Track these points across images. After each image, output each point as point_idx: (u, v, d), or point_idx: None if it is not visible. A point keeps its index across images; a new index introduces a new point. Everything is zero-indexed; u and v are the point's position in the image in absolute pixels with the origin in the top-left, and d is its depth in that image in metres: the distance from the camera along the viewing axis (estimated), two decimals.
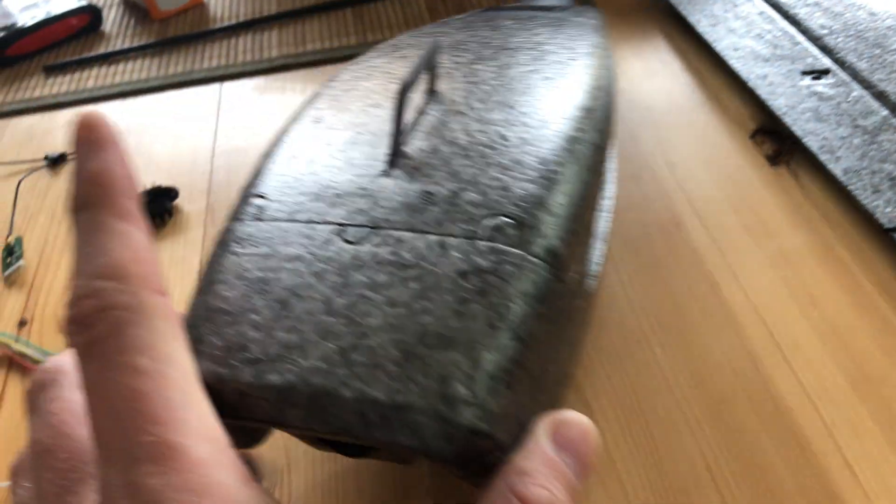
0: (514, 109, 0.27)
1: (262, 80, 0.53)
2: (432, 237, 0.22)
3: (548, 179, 0.23)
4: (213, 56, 0.55)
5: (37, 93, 0.54)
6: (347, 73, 0.33)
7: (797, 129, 0.40)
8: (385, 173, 0.24)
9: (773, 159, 0.41)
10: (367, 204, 0.23)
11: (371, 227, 0.22)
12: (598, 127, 0.27)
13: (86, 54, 0.57)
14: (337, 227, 0.22)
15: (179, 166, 0.46)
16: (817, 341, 0.32)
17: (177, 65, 0.55)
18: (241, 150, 0.46)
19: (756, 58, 0.45)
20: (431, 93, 0.29)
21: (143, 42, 0.57)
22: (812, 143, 0.39)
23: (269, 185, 0.25)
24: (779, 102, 0.42)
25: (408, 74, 0.26)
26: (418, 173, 0.24)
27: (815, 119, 0.40)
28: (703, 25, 0.49)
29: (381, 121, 0.27)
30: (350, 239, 0.22)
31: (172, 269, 0.39)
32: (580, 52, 0.32)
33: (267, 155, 0.27)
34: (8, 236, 0.41)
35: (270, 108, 0.50)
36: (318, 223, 0.23)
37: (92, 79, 0.54)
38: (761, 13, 0.49)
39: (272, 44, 0.56)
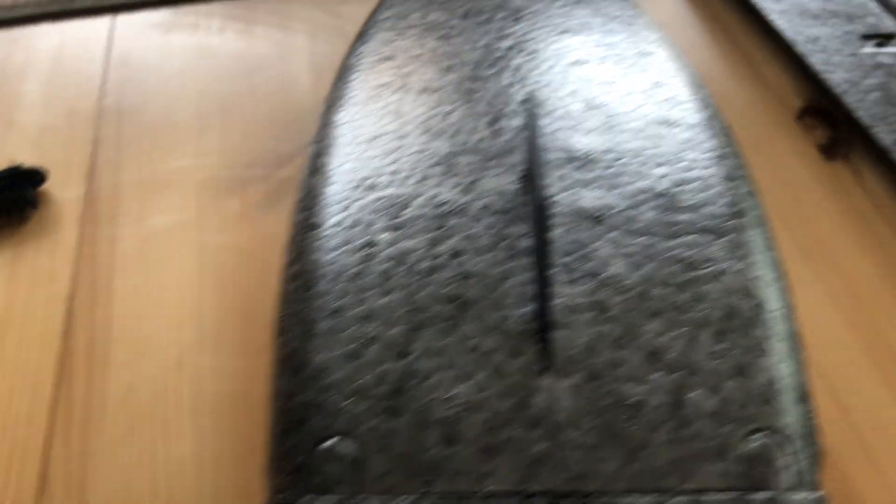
0: (665, 196, 0.19)
1: (169, 12, 0.41)
2: (681, 499, 0.13)
3: (779, 338, 0.16)
4: None
5: None
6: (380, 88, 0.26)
7: (862, 115, 0.31)
8: (538, 367, 0.15)
9: (828, 150, 0.32)
10: (543, 440, 0.13)
11: (580, 497, 0.12)
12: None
13: None
14: (519, 498, 0.13)
15: (51, 135, 0.34)
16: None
17: None
18: (138, 112, 0.35)
19: (803, 14, 0.36)
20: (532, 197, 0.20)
21: None
22: (882, 134, 0.30)
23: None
24: (836, 77, 0.33)
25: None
26: (594, 362, 0.15)
27: (884, 101, 0.31)
28: None
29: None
30: None
31: (34, 290, 0.28)
32: (654, 50, 0.27)
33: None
34: None
35: (180, 54, 0.38)
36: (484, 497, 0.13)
37: None
38: None
39: None
